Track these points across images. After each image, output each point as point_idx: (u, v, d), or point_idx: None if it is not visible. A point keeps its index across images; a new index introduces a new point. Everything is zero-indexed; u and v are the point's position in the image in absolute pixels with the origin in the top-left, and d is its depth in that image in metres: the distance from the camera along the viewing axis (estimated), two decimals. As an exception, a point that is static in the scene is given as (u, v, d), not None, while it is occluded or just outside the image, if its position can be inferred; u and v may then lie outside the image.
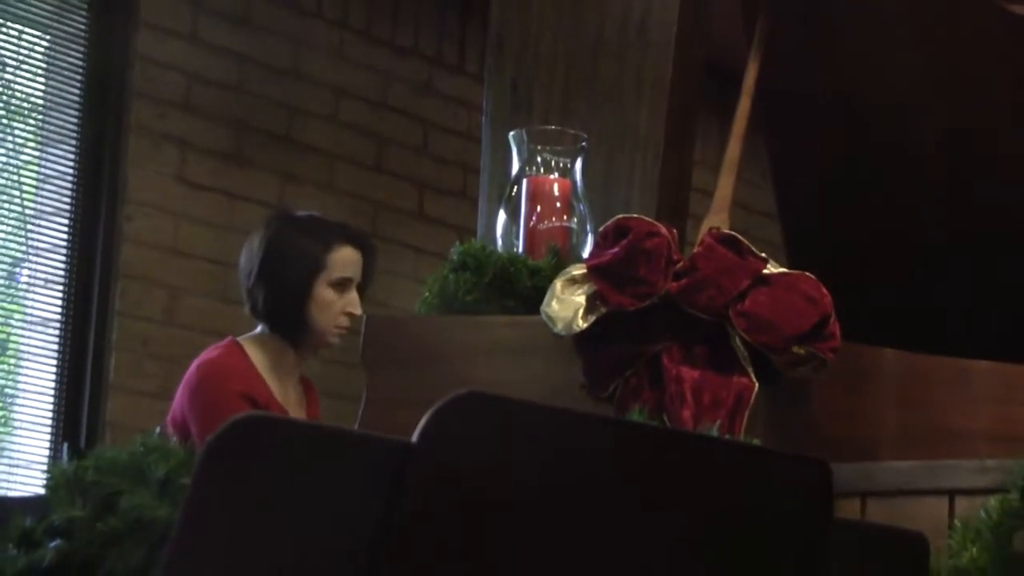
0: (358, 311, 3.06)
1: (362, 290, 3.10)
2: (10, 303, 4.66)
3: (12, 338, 4.65)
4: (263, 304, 3.06)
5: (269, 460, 1.11)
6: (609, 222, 2.43)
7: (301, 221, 3.12)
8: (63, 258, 4.65)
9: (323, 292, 3.04)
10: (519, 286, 2.62)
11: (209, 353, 3.06)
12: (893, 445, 2.37)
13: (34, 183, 4.68)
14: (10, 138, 4.67)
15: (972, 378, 2.42)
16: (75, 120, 4.71)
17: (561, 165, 2.86)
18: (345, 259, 3.07)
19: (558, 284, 2.40)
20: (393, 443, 1.15)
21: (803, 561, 1.41)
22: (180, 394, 3.04)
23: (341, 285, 3.05)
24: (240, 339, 3.09)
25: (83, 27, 4.74)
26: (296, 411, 3.10)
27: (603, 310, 2.36)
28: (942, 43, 2.71)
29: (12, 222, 4.64)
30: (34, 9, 4.67)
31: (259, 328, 3.09)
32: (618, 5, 3.65)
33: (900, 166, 2.85)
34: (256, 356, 3.05)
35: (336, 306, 3.04)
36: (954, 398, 2.41)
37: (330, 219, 3.22)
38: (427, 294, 2.68)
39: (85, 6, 4.75)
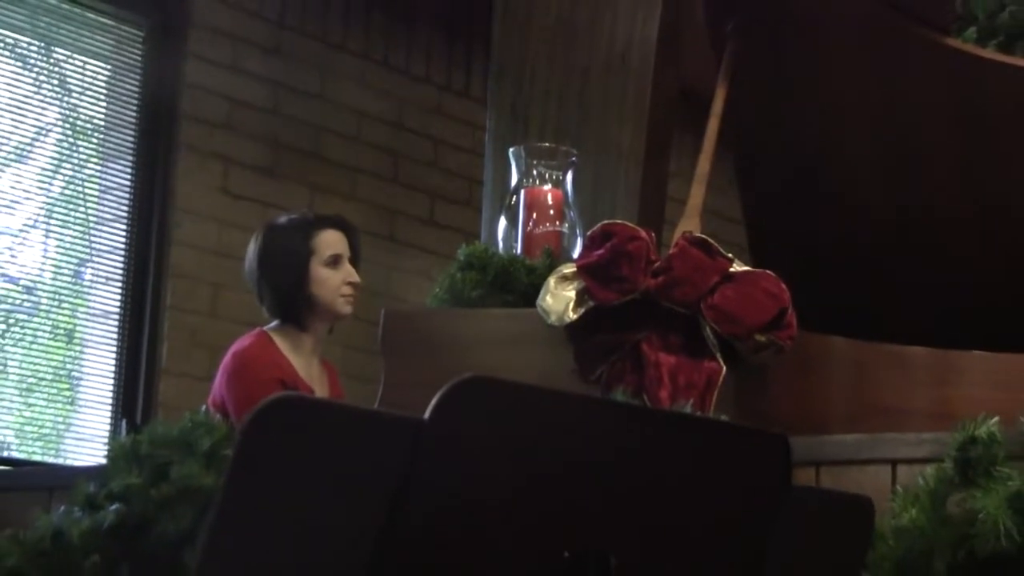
0: (356, 279, 3.08)
1: (355, 263, 3.11)
2: (75, 298, 4.66)
3: (77, 329, 4.65)
4: (271, 300, 3.07)
5: (300, 435, 1.11)
6: (596, 227, 2.43)
7: (283, 223, 3.13)
8: (121, 259, 4.65)
9: (319, 272, 3.05)
10: (518, 283, 2.61)
11: (242, 343, 3.07)
12: (842, 421, 2.36)
13: (96, 194, 4.68)
14: (75, 155, 4.67)
15: (910, 363, 2.42)
16: (132, 139, 4.71)
17: (554, 177, 2.86)
18: (329, 240, 3.08)
19: (551, 281, 2.40)
20: (408, 420, 1.15)
21: (764, 521, 1.40)
22: (218, 379, 3.04)
23: (334, 262, 3.06)
24: (267, 328, 3.10)
25: (139, 58, 4.74)
26: (320, 386, 3.11)
27: (591, 304, 2.36)
28: (885, 71, 2.71)
29: (77, 228, 4.65)
30: (96, 42, 4.67)
31: (276, 321, 3.10)
32: (604, 38, 3.64)
33: (848, 178, 2.85)
34: (281, 343, 3.06)
35: (335, 280, 3.05)
36: (895, 380, 2.41)
37: (308, 213, 3.24)
38: (437, 290, 2.68)
39: (141, 40, 4.75)
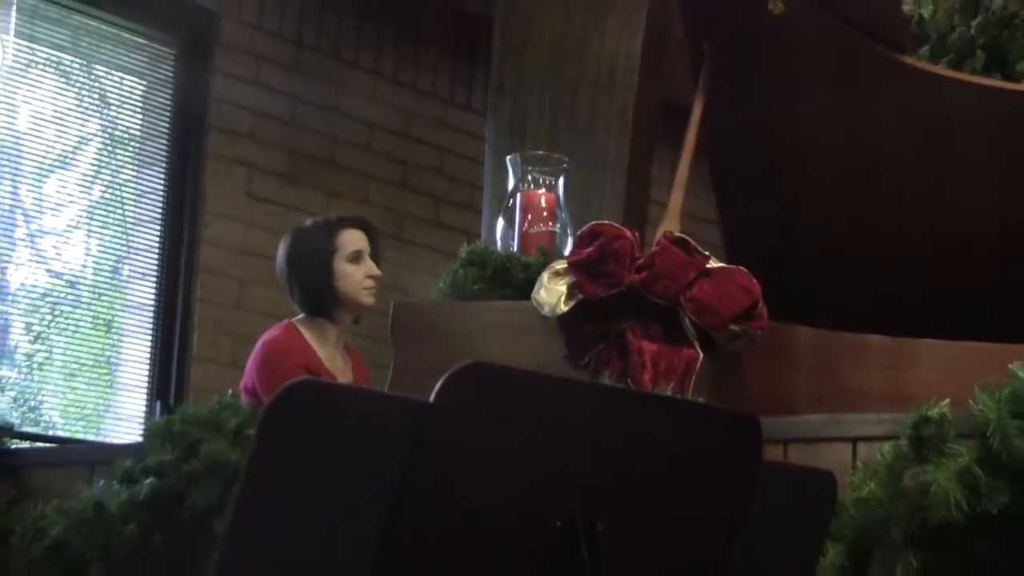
0: (377, 272, 3.07)
1: (376, 258, 3.10)
2: (114, 292, 4.65)
3: (116, 319, 4.65)
4: (300, 295, 3.06)
5: (316, 415, 1.10)
6: (585, 227, 2.42)
7: (308, 226, 3.12)
8: (155, 256, 4.65)
9: (342, 268, 3.03)
10: (514, 278, 2.61)
11: (271, 333, 3.06)
12: (808, 402, 2.36)
13: (132, 197, 4.68)
14: (113, 162, 4.66)
15: (870, 350, 2.42)
16: (164, 148, 4.71)
17: (547, 182, 2.85)
18: (350, 238, 3.07)
19: (545, 276, 2.40)
20: (415, 403, 1.15)
21: (738, 493, 1.40)
22: (249, 366, 3.03)
23: (356, 258, 3.05)
24: (294, 320, 3.09)
25: (171, 74, 4.74)
26: (343, 374, 3.10)
27: (580, 297, 2.36)
28: (848, 85, 2.71)
29: (115, 228, 4.64)
30: (132, 60, 4.67)
31: (303, 313, 3.09)
32: (592, 58, 3.64)
33: (814, 183, 2.85)
34: (307, 334, 3.05)
35: (358, 274, 3.04)
36: (855, 365, 2.41)
37: (331, 215, 3.23)
38: (442, 284, 2.68)
39: (173, 57, 4.74)
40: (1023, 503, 1.81)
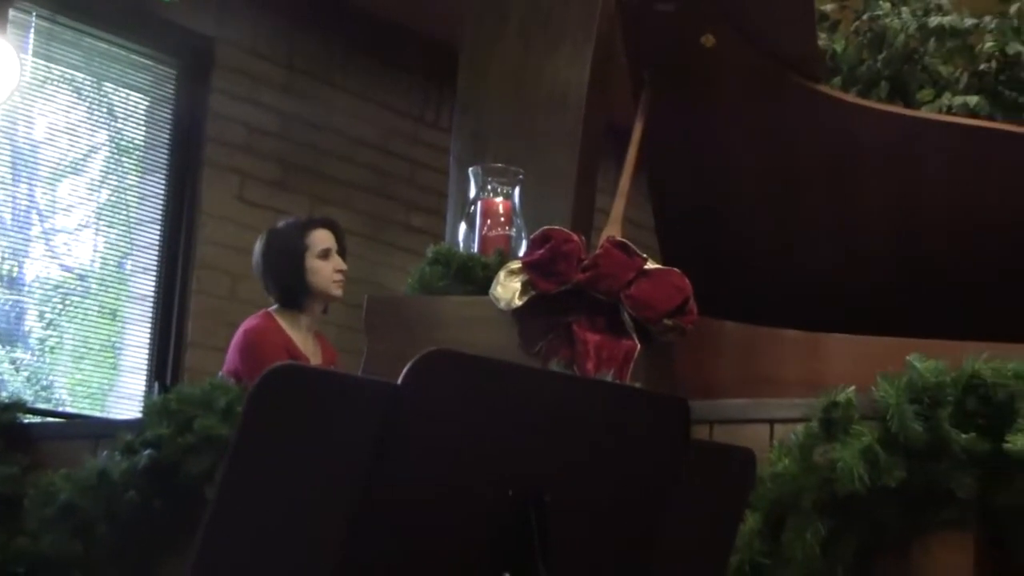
0: (344, 267, 3.05)
1: (342, 254, 3.08)
2: (119, 284, 4.60)
3: (120, 309, 4.59)
4: (274, 288, 3.03)
5: (296, 396, 1.09)
6: (537, 232, 2.42)
7: (281, 227, 3.09)
8: (156, 253, 4.60)
9: (313, 263, 3.01)
10: (475, 276, 2.60)
11: (251, 321, 3.03)
12: (731, 388, 2.37)
13: (136, 200, 4.63)
14: (119, 169, 4.61)
15: (786, 342, 2.43)
16: (165, 157, 4.66)
17: (505, 192, 2.85)
18: (320, 237, 3.05)
19: (502, 274, 2.39)
20: (385, 385, 1.14)
21: (669, 467, 1.40)
22: (231, 352, 3.00)
23: (324, 254, 3.03)
24: (270, 310, 3.06)
25: (173, 91, 4.69)
26: (314, 357, 3.07)
27: (533, 293, 2.35)
28: (768, 110, 2.72)
29: (120, 228, 4.59)
30: (138, 78, 4.61)
31: (277, 304, 3.07)
32: (546, 83, 3.63)
33: (737, 195, 2.86)
34: (283, 321, 3.03)
35: (327, 269, 3.02)
36: (774, 356, 2.42)
37: (302, 216, 3.22)
38: (411, 280, 2.66)
39: (174, 77, 4.69)
40: (917, 477, 1.82)
